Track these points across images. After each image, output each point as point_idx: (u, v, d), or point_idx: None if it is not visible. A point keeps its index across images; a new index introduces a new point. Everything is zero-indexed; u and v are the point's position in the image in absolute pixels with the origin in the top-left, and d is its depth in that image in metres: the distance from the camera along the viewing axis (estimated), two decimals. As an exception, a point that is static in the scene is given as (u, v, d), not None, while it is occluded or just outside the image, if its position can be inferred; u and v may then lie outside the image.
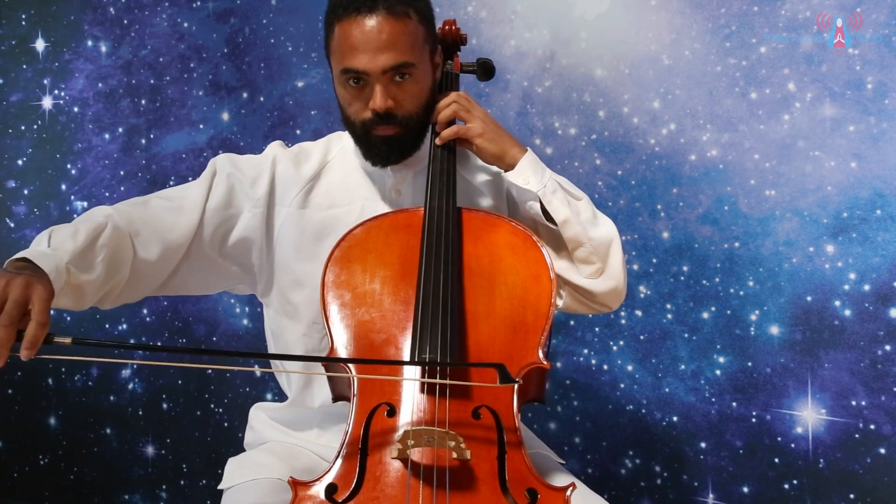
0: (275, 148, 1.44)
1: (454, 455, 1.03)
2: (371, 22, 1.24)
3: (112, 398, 2.80)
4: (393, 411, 1.10)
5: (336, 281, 1.21)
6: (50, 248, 1.13)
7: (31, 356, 0.97)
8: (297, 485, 1.06)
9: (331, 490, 1.05)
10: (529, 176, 1.30)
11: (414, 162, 1.41)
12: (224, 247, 1.37)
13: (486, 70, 1.53)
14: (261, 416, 1.47)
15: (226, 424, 2.62)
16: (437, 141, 1.34)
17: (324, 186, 1.41)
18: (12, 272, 1.03)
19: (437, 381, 1.09)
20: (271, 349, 1.48)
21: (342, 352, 1.15)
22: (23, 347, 0.96)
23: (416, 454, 1.04)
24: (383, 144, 1.31)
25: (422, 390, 1.11)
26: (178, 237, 1.31)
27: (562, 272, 1.32)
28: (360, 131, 1.32)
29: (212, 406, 2.64)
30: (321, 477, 1.06)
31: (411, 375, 1.13)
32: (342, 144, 1.46)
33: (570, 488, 1.05)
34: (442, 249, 1.20)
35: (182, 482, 2.69)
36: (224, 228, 1.36)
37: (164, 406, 2.72)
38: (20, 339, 0.97)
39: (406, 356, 1.14)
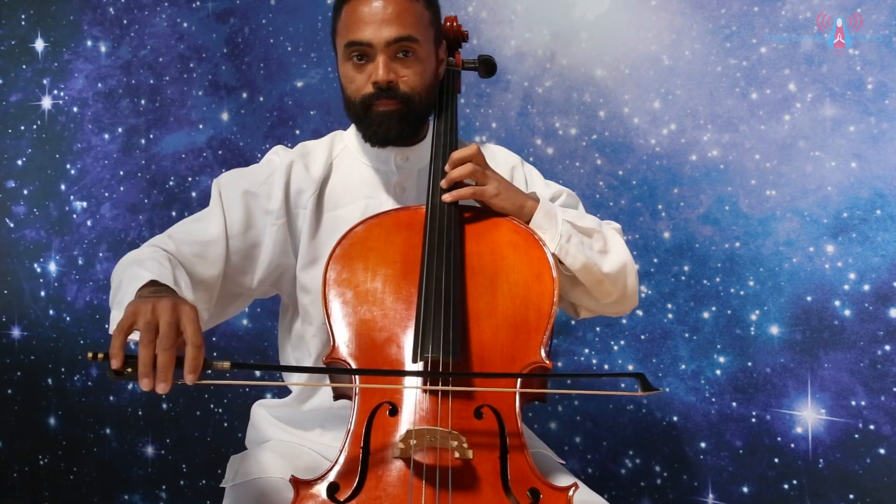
0: (281, 153, 1.41)
1: (456, 455, 1.03)
2: (378, 1, 1.27)
3: (112, 398, 2.80)
4: (395, 410, 1.10)
5: (337, 279, 1.21)
6: (155, 274, 1.10)
7: (195, 381, 0.94)
8: (298, 484, 1.05)
9: (332, 489, 1.05)
10: (545, 229, 1.28)
11: (418, 158, 1.41)
12: (253, 268, 1.36)
13: (487, 67, 1.52)
14: (263, 414, 1.46)
15: (226, 424, 2.62)
16: (447, 197, 1.26)
17: (330, 187, 1.40)
18: (150, 296, 1.00)
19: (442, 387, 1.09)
20: (286, 349, 1.48)
21: (343, 350, 1.15)
22: (186, 372, 0.93)
23: (418, 454, 1.04)
24: (383, 120, 1.30)
25: (424, 389, 1.11)
26: (210, 274, 1.29)
27: (579, 300, 1.35)
28: (360, 109, 1.32)
29: (212, 406, 2.64)
30: (323, 476, 1.06)
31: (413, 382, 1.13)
32: (345, 143, 1.45)
33: (573, 488, 1.05)
34: (444, 247, 1.20)
35: (182, 482, 2.69)
36: (252, 251, 1.35)
37: (164, 406, 2.71)
38: (179, 366, 0.94)
39: (408, 355, 1.13)
